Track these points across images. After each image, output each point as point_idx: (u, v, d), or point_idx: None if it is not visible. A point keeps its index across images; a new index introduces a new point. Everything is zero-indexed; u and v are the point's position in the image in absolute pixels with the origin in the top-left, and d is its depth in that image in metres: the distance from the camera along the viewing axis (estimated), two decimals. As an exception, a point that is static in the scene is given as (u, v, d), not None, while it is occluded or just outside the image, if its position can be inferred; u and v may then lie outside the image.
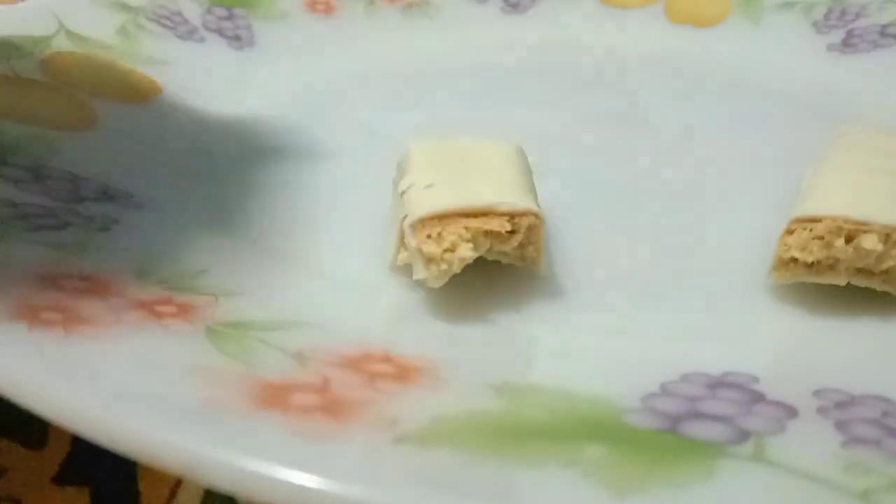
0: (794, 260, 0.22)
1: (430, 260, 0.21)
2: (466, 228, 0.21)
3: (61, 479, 0.22)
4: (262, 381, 0.17)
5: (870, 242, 0.21)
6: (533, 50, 0.40)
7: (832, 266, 0.22)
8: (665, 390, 0.18)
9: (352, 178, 0.29)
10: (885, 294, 0.22)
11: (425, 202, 0.22)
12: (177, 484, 0.22)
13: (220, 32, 0.37)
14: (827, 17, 0.39)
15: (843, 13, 0.39)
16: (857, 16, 0.39)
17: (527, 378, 0.19)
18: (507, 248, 0.21)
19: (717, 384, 0.18)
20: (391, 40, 0.40)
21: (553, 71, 0.38)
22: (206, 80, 0.34)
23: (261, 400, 0.16)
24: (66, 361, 0.17)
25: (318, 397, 0.16)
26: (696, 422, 0.17)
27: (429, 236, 0.21)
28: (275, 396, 0.16)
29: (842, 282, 0.22)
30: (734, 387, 0.18)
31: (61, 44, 0.32)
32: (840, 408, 0.17)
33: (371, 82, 0.37)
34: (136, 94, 0.31)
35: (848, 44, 0.38)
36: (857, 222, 0.21)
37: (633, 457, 0.15)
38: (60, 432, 0.23)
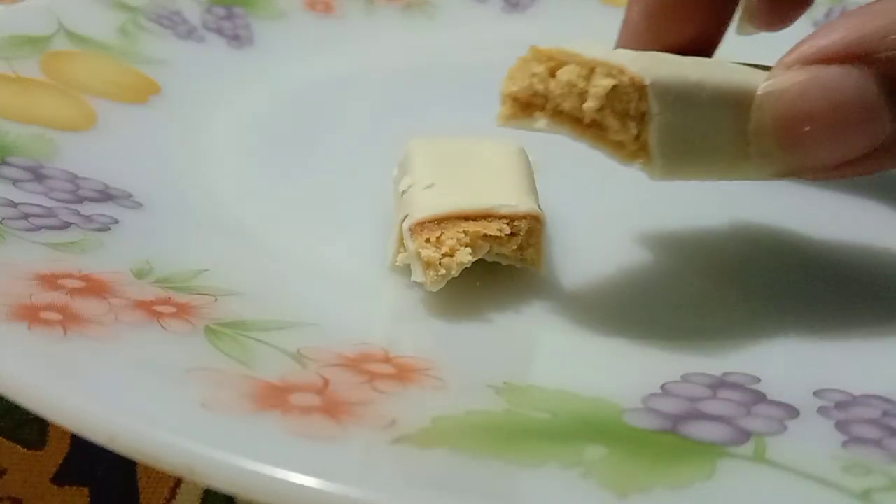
0: (513, 97, 0.19)
1: (428, 265, 0.20)
2: (465, 233, 0.21)
3: (61, 479, 0.22)
4: (262, 382, 0.17)
5: (567, 73, 0.18)
6: (533, 50, 0.40)
7: (542, 106, 0.19)
8: (665, 390, 0.18)
9: (352, 178, 0.29)
10: (885, 294, 0.22)
11: (425, 203, 0.22)
12: (176, 484, 0.22)
13: (219, 32, 0.37)
14: (827, 16, 0.39)
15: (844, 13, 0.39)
16: (858, 15, 0.39)
17: (527, 378, 0.19)
18: (507, 250, 0.21)
19: (718, 384, 0.18)
20: (391, 40, 0.40)
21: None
22: (206, 80, 0.34)
23: (260, 400, 0.16)
24: (66, 361, 0.17)
25: (317, 398, 0.16)
26: (696, 422, 0.17)
27: (427, 240, 0.21)
28: (274, 397, 0.16)
29: (553, 127, 0.19)
30: (735, 387, 0.18)
31: (61, 44, 0.32)
32: (840, 408, 0.17)
33: (371, 82, 0.37)
34: (136, 94, 0.31)
35: (848, 43, 0.38)
36: (563, 52, 0.19)
37: (634, 457, 0.15)
38: (60, 432, 0.23)
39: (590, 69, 0.18)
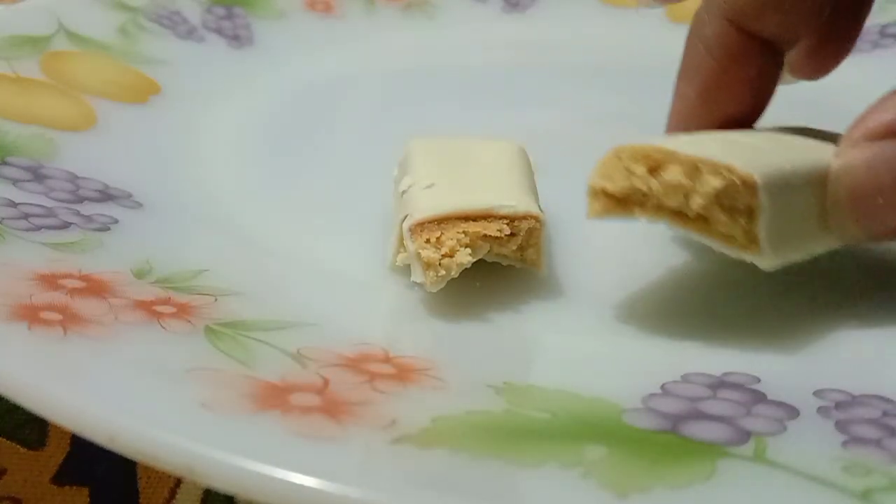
0: (606, 192, 0.20)
1: (428, 265, 0.20)
2: (465, 233, 0.21)
3: (61, 479, 0.22)
4: (262, 382, 0.17)
5: (672, 174, 0.19)
6: (533, 49, 0.40)
7: (642, 203, 0.19)
8: (665, 390, 0.18)
9: (352, 178, 0.29)
10: (885, 294, 0.22)
11: (425, 203, 0.22)
12: (176, 484, 0.22)
13: (219, 32, 0.37)
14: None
15: (844, 13, 0.39)
16: (858, 15, 0.39)
17: (527, 378, 0.19)
18: (507, 250, 0.21)
19: (718, 384, 0.18)
20: (391, 40, 0.40)
21: (553, 71, 0.38)
22: (206, 80, 0.34)
23: (260, 400, 0.16)
24: (66, 361, 0.17)
25: (317, 398, 0.16)
26: (696, 422, 0.17)
27: (427, 241, 0.21)
28: (274, 397, 0.16)
29: (653, 219, 0.19)
30: (735, 387, 0.18)
31: (61, 44, 0.32)
32: (840, 408, 0.17)
33: (371, 82, 0.37)
34: (136, 94, 0.31)
35: (848, 43, 0.38)
36: (662, 151, 0.19)
37: (634, 457, 0.15)
38: (60, 432, 0.23)
39: (694, 167, 0.19)
